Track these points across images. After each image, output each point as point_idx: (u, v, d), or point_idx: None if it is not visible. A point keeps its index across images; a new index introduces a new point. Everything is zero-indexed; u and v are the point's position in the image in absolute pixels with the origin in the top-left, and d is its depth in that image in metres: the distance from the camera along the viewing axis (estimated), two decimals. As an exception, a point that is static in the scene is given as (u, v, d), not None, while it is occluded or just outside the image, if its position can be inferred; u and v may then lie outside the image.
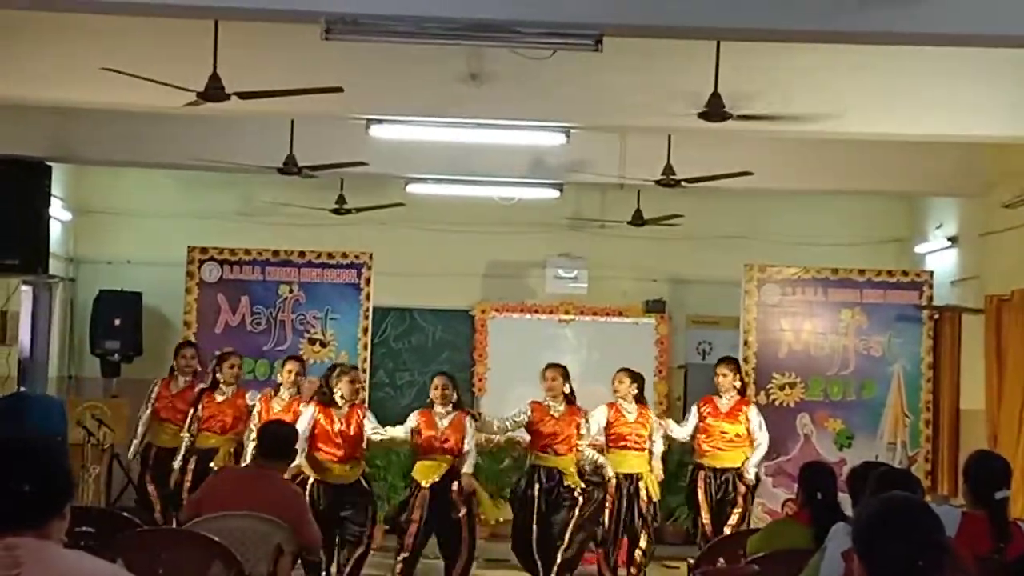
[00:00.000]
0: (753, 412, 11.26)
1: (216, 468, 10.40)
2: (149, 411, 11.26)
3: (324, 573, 9.95)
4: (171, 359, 11.73)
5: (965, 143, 10.81)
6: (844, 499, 6.56)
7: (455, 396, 10.38)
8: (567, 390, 10.64)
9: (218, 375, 11.18)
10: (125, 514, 7.91)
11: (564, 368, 10.81)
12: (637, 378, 11.08)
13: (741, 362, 12.90)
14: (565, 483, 10.47)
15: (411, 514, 10.06)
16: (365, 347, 13.12)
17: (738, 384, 11.29)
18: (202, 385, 11.21)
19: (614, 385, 11.04)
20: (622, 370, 11.16)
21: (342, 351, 12.93)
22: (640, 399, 11.07)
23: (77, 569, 3.15)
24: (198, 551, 6.65)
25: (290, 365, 11.09)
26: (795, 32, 6.71)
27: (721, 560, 7.46)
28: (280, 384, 11.01)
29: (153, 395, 11.32)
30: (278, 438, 7.87)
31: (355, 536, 9.98)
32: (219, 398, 11.09)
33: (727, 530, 10.64)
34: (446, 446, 10.16)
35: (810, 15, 6.37)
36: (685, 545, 13.16)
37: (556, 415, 10.57)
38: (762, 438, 11.13)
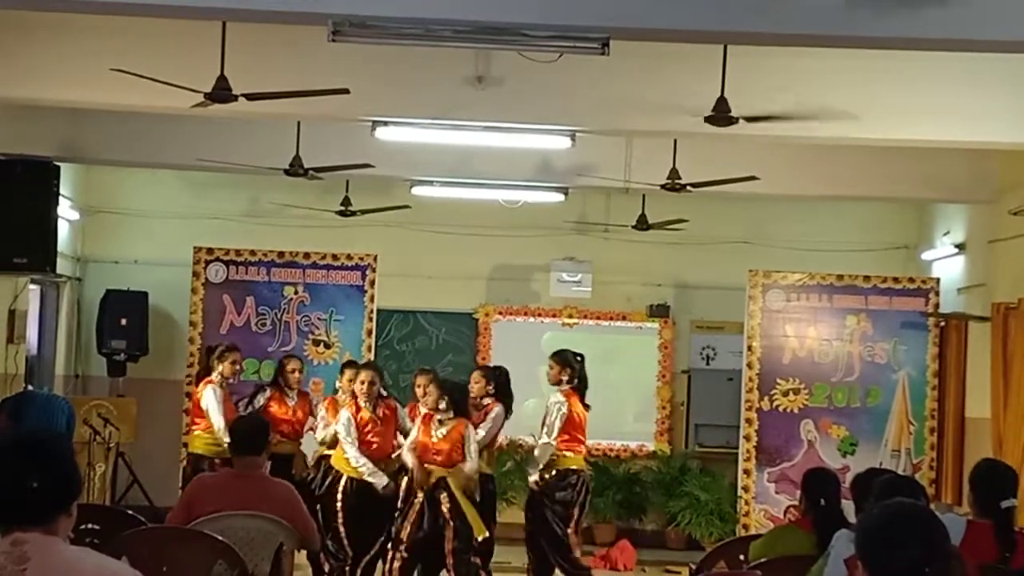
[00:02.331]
0: (552, 401, 10.31)
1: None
2: None
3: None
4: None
5: (974, 149, 10.81)
6: (847, 506, 6.56)
7: (445, 401, 9.70)
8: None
9: (280, 379, 11.13)
10: (130, 512, 7.92)
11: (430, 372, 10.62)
12: (494, 377, 10.52)
13: (745, 368, 12.94)
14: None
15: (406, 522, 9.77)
16: (369, 349, 13.13)
17: (565, 377, 10.35)
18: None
19: (470, 385, 10.42)
20: (477, 369, 10.87)
21: (346, 352, 12.95)
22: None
23: (83, 565, 3.17)
24: (202, 550, 6.65)
25: (350, 373, 10.83)
26: (803, 37, 6.70)
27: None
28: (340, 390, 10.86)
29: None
30: (249, 432, 7.74)
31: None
32: (290, 403, 11.08)
33: None
34: (438, 458, 9.64)
35: (818, 20, 6.36)
36: (687, 550, 13.22)
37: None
38: (543, 437, 10.25)
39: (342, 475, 10.00)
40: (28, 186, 11.75)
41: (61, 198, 12.34)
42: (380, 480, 9.81)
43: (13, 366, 12.35)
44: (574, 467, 10.40)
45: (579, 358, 10.51)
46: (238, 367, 11.11)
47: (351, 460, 9.87)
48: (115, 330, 13.78)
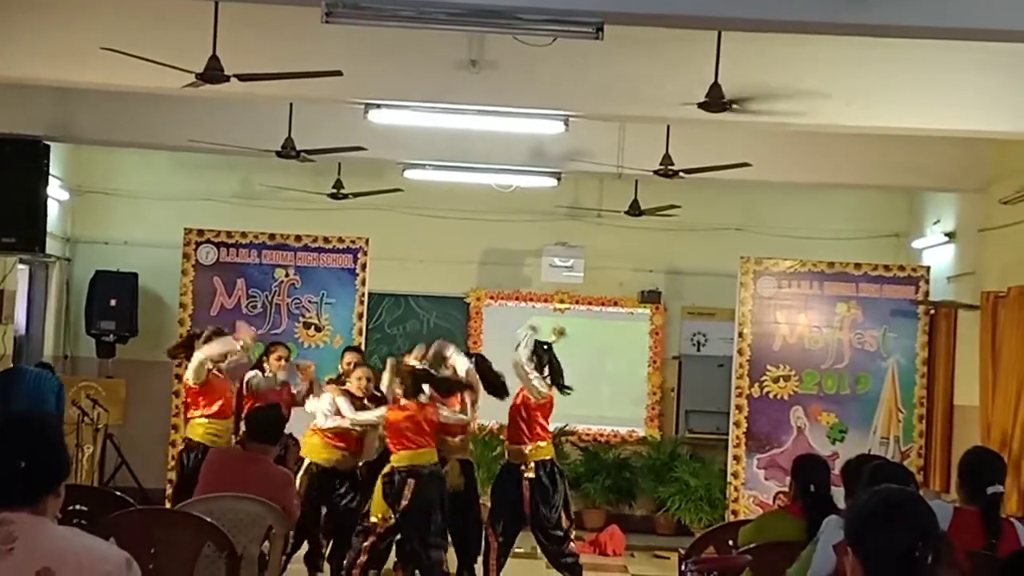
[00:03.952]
0: None
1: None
2: None
3: None
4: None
5: (965, 138, 10.80)
6: (837, 492, 6.57)
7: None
8: None
9: (266, 366, 10.77)
10: (118, 493, 7.92)
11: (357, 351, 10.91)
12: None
13: (735, 354, 12.95)
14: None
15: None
16: (360, 332, 13.11)
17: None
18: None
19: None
20: (391, 357, 10.70)
21: (337, 335, 12.94)
22: None
23: (71, 544, 3.15)
24: (190, 531, 6.66)
25: (348, 356, 10.86)
26: (796, 23, 6.69)
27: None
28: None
29: None
30: (266, 422, 7.87)
31: None
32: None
33: None
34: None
35: (812, 6, 6.36)
36: (676, 536, 13.23)
37: None
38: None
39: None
40: (18, 165, 11.68)
41: (51, 178, 12.29)
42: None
43: (1, 347, 12.31)
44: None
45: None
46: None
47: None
48: (104, 311, 13.75)
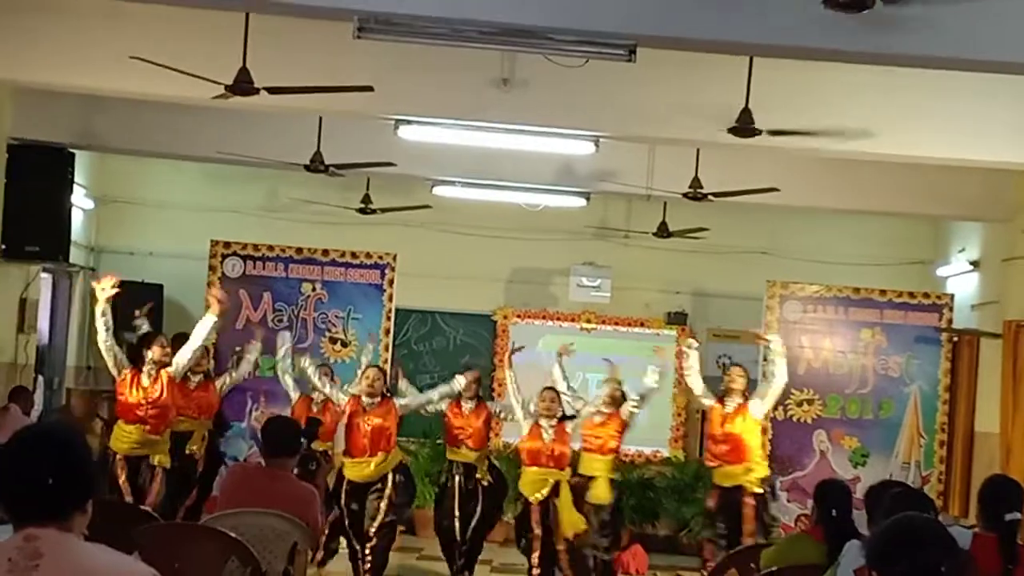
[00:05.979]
0: (753, 405, 10.98)
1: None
2: None
3: None
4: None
5: (991, 168, 10.77)
6: (858, 517, 6.55)
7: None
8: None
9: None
10: (142, 506, 7.92)
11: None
12: None
13: (760, 377, 12.92)
14: (475, 477, 10.91)
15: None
16: (386, 348, 13.09)
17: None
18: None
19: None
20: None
21: (364, 349, 12.91)
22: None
23: (97, 562, 3.13)
24: (215, 547, 6.62)
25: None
26: (827, 51, 6.69)
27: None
28: None
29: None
30: (279, 433, 7.73)
31: None
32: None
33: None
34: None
35: (842, 35, 6.35)
36: (698, 556, 13.16)
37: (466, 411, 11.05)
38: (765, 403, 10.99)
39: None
40: (42, 173, 11.62)
41: (75, 186, 12.29)
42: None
43: (24, 356, 12.25)
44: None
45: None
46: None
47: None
48: (129, 322, 13.73)
